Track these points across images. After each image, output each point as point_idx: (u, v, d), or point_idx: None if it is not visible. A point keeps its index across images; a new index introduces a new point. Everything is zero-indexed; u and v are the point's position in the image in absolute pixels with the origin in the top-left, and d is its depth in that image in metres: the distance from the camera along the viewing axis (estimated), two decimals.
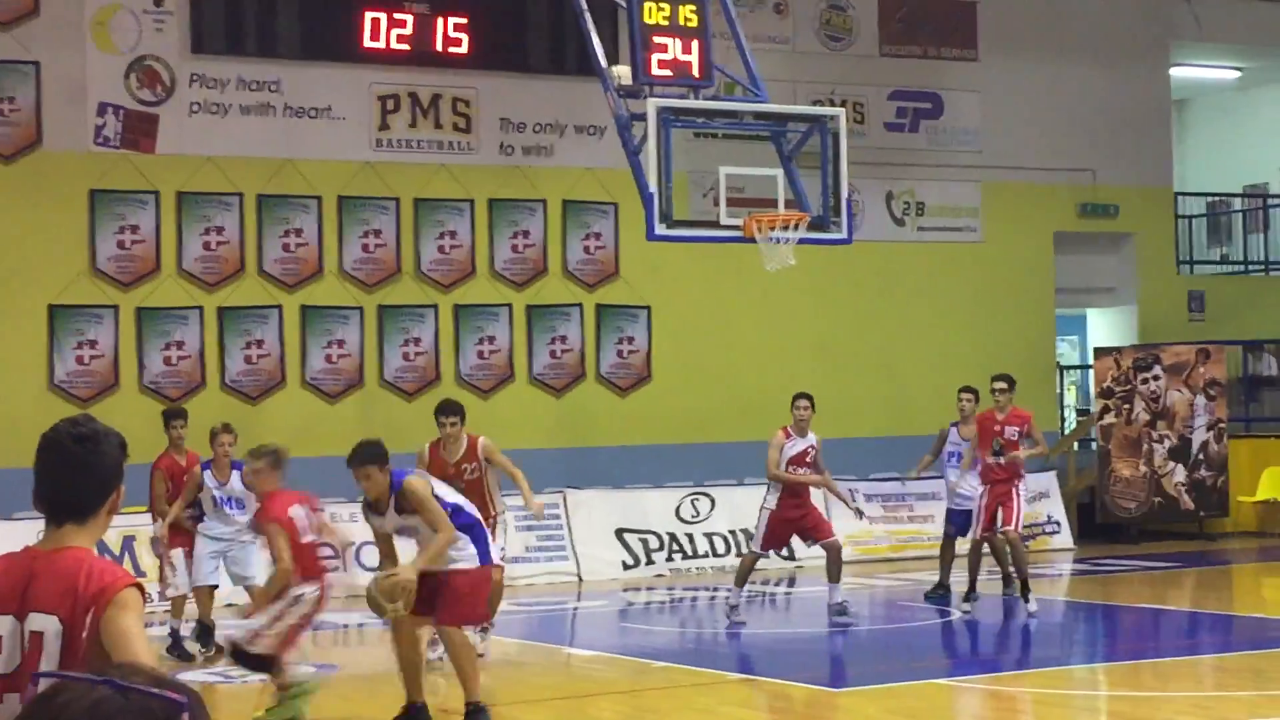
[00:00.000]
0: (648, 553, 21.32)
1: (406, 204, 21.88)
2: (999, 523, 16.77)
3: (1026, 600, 16.38)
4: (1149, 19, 26.55)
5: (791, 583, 20.69)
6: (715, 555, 21.62)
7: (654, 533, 21.47)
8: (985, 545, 17.20)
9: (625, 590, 19.86)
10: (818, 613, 16.78)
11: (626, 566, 21.06)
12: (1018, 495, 16.91)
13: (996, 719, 11.67)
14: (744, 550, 21.64)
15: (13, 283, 19.90)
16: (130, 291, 20.52)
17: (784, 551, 20.90)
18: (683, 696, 12.93)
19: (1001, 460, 16.72)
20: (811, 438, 17.01)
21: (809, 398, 17.24)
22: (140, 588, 4.70)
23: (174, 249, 20.78)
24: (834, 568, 16.66)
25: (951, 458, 18.03)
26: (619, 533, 21.04)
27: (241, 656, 11.82)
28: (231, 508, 15.59)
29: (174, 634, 15.57)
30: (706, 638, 16.71)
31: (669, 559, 21.38)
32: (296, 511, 11.95)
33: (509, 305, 22.37)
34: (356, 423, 21.38)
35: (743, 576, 16.81)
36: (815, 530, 16.90)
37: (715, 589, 19.90)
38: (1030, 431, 17.14)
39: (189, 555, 15.59)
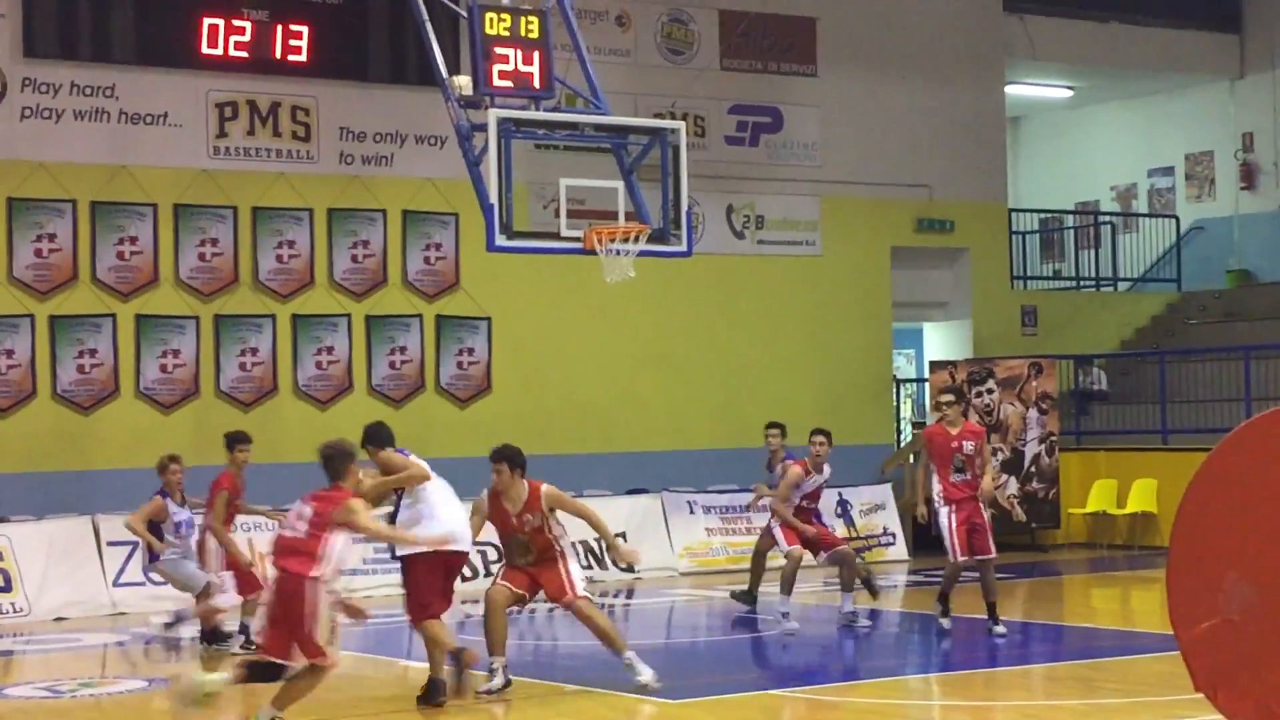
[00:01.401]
0: (486, 564, 21.22)
1: (244, 212, 21.66)
2: (976, 551, 15.81)
3: (996, 623, 15.92)
4: (984, 37, 26.96)
5: (630, 594, 20.71)
6: None
7: (493, 544, 21.36)
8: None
9: (464, 602, 19.75)
10: (656, 624, 16.79)
11: (464, 578, 20.92)
12: (983, 514, 16.14)
13: None
14: (583, 563, 21.64)
15: None
16: None
17: (622, 565, 20.94)
18: (520, 709, 12.89)
19: (966, 477, 16.03)
20: (826, 471, 17.09)
21: (826, 434, 17.19)
22: None
23: (3, 256, 20.42)
24: (846, 576, 16.95)
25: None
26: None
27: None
28: (186, 530, 16.41)
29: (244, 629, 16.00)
30: (544, 649, 16.67)
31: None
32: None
33: (348, 315, 22.22)
34: (191, 433, 21.15)
35: (788, 584, 16.85)
36: (822, 541, 17.03)
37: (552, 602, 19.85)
38: (981, 449, 16.15)
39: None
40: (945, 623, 16.14)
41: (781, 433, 19.03)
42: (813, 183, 25.39)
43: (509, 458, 13.52)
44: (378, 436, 13.25)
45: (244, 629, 16.06)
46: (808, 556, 17.18)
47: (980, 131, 26.92)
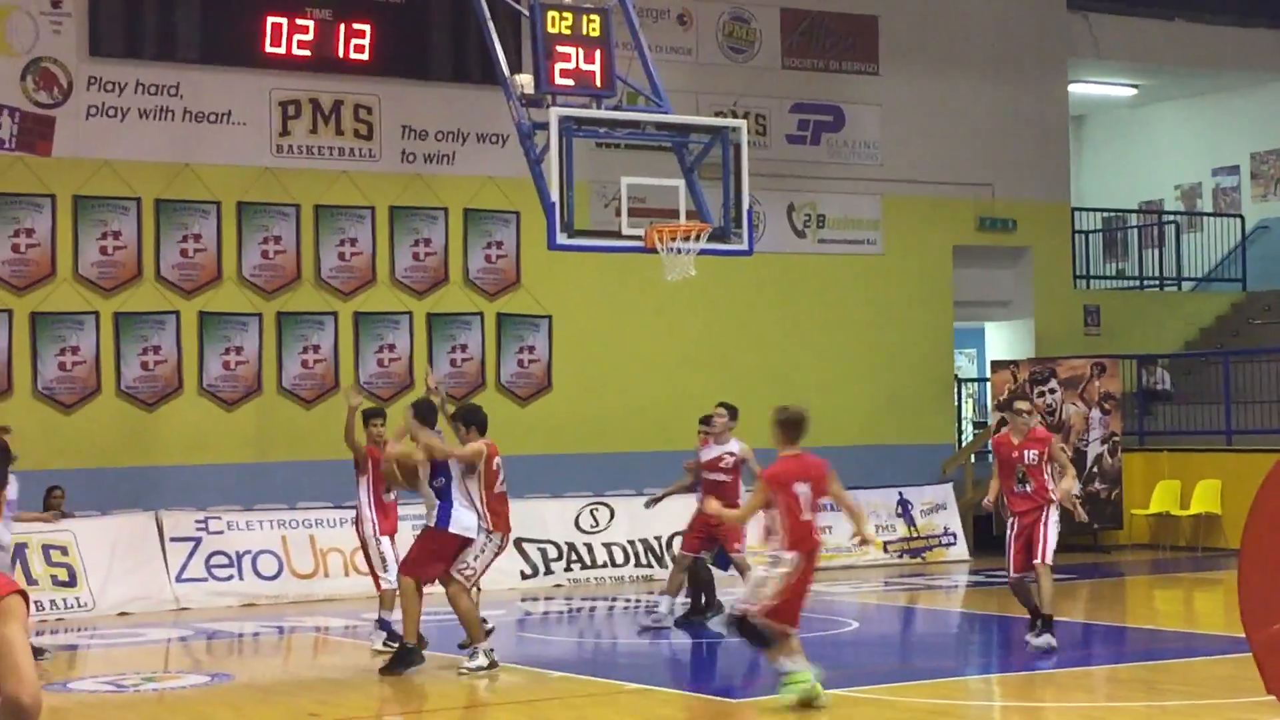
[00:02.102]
0: (546, 563, 21.28)
1: (307, 210, 21.76)
2: (1032, 556, 15.25)
3: (1047, 632, 15.04)
4: (1047, 36, 26.82)
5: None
6: (614, 565, 21.61)
7: (553, 542, 21.44)
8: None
9: (523, 600, 19.82)
10: (712, 622, 16.78)
11: (525, 576, 21.02)
12: (1047, 524, 15.28)
13: None
14: (643, 561, 21.68)
15: None
16: (24, 296, 20.29)
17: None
18: (580, 707, 12.91)
19: (1028, 489, 15.21)
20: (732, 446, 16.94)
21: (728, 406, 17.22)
22: (25, 595, 4.63)
23: (70, 253, 20.56)
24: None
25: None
26: (518, 542, 20.94)
27: (743, 629, 12.12)
28: None
29: (384, 624, 15.58)
30: (604, 648, 16.69)
31: (568, 569, 21.35)
32: (801, 488, 12.59)
33: (409, 313, 22.29)
34: (253, 430, 21.27)
35: None
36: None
37: (613, 599, 19.91)
38: (1053, 454, 15.10)
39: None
40: (1040, 641, 15.21)
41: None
42: (874, 181, 25.32)
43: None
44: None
45: (384, 624, 15.58)
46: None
47: (1043, 130, 26.80)
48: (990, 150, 26.23)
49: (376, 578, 15.66)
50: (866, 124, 25.30)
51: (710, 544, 16.82)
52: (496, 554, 14.38)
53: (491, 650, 14.22)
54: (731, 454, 16.86)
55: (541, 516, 21.43)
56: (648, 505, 18.23)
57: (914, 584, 21.31)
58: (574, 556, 21.38)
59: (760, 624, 12.09)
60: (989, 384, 26.29)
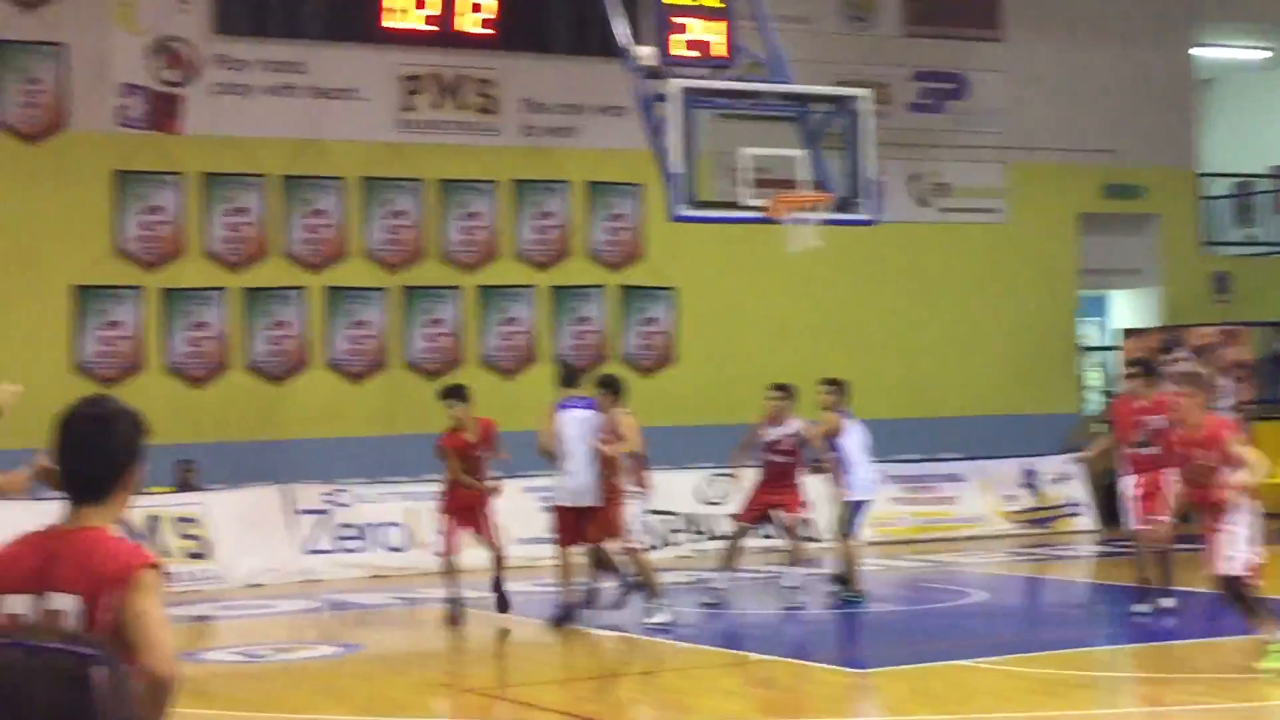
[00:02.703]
0: (670, 534, 21.30)
1: (430, 185, 21.89)
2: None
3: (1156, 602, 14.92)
4: None
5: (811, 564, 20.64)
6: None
7: (676, 514, 21.45)
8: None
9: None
10: (837, 594, 16.75)
11: (650, 548, 21.02)
12: (1165, 484, 15.01)
13: (1019, 700, 11.64)
14: (769, 531, 21.64)
15: (37, 263, 19.95)
16: (154, 272, 20.57)
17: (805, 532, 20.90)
18: (705, 678, 12.93)
19: (1155, 450, 14.83)
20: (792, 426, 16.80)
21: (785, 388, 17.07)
22: (159, 568, 4.70)
23: (198, 230, 20.82)
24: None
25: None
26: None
27: (1236, 595, 12.13)
28: None
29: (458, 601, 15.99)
30: (730, 619, 16.69)
31: (691, 540, 21.36)
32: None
33: (532, 286, 22.38)
34: (380, 404, 21.46)
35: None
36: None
37: (738, 570, 19.88)
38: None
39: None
40: (1166, 602, 15.14)
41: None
42: (998, 149, 25.09)
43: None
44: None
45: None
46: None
47: (1169, 95, 26.43)
48: (1115, 116, 25.90)
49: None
50: (990, 91, 25.07)
51: (764, 516, 16.70)
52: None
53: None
54: (791, 435, 16.67)
55: (665, 488, 21.38)
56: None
57: (1040, 554, 21.15)
58: (697, 528, 21.38)
59: (1249, 588, 11.97)
60: (1115, 353, 25.99)
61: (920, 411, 23.39)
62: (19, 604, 4.66)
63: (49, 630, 2.18)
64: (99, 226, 20.36)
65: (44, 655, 2.12)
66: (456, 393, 16.30)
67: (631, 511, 15.23)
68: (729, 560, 16.78)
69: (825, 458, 16.67)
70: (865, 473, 16.67)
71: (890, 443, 23.12)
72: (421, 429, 21.56)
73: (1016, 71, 25.18)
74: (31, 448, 14.16)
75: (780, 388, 16.95)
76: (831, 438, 16.55)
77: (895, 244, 23.93)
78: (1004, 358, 24.88)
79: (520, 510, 20.48)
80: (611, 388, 15.68)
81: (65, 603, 4.61)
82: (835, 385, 16.93)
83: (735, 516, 17.17)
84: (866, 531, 21.58)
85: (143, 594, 4.59)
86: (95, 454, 4.75)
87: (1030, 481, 23.29)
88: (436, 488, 16.27)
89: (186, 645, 14.44)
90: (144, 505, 18.76)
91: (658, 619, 15.07)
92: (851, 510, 16.60)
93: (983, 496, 22.83)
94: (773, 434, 16.66)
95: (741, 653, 13.84)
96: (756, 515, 16.77)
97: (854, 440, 16.60)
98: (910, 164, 24.47)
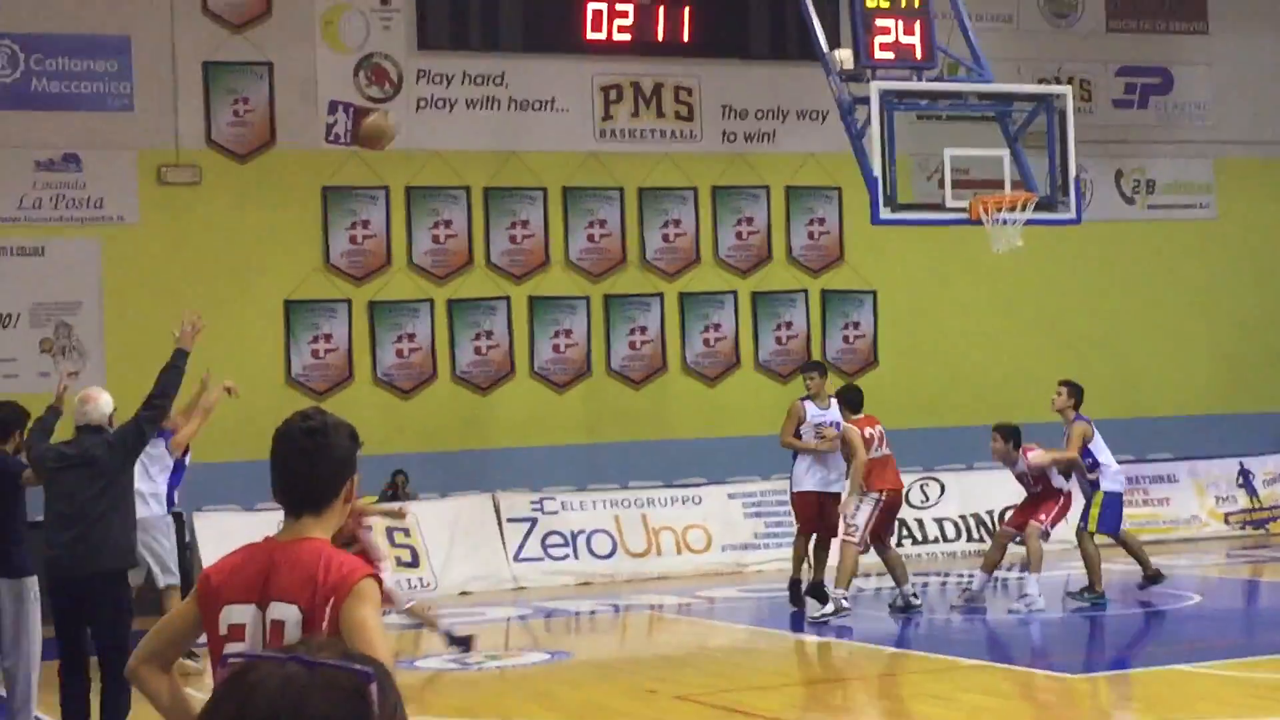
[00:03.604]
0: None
1: (631, 193, 21.98)
2: None
3: None
4: None
5: (1025, 566, 20.40)
6: (945, 540, 21.42)
7: None
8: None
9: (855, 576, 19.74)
10: (1053, 595, 16.54)
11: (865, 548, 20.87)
12: None
13: (1240, 705, 11.41)
14: (974, 536, 21.45)
15: (250, 279, 20.38)
16: (362, 286, 20.90)
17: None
18: (917, 683, 12.85)
19: None
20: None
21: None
22: (378, 579, 4.79)
23: (404, 243, 21.12)
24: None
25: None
26: None
27: None
28: None
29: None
30: (938, 623, 16.56)
31: (899, 544, 21.18)
32: None
33: (734, 292, 22.38)
34: (584, 412, 21.61)
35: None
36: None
37: (946, 574, 19.75)
38: None
39: None
40: None
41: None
42: (1205, 143, 24.60)
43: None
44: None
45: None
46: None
47: None
48: None
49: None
50: (1196, 85, 24.61)
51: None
52: (877, 509, 16.04)
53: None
54: (1022, 471, 16.49)
55: None
56: None
57: (1257, 556, 20.69)
58: (904, 531, 21.21)
59: None
60: None
61: (1132, 411, 22.98)
62: (242, 614, 4.79)
63: (324, 646, 2.22)
64: (308, 241, 20.74)
65: (322, 671, 2.16)
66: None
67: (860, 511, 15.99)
68: (990, 564, 16.63)
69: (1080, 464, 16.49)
70: (1115, 467, 16.61)
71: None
72: (625, 436, 21.72)
73: (1223, 64, 24.68)
74: (247, 460, 14.42)
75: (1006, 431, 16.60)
76: (1085, 444, 16.42)
77: (1102, 242, 23.56)
78: (1217, 355, 24.39)
79: (727, 515, 20.52)
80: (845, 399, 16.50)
81: (287, 613, 4.72)
82: (1072, 387, 16.81)
83: (1005, 523, 17.14)
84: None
85: (362, 604, 4.68)
86: (312, 466, 4.85)
87: (1246, 481, 22.80)
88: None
89: (400, 653, 14.65)
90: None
91: (826, 611, 15.47)
92: (1110, 507, 16.42)
93: (1197, 497, 22.40)
94: (1015, 470, 16.51)
95: (952, 658, 13.71)
96: (1019, 524, 16.60)
97: (1099, 438, 16.54)
98: (1115, 161, 24.10)
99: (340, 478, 4.87)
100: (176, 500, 15.20)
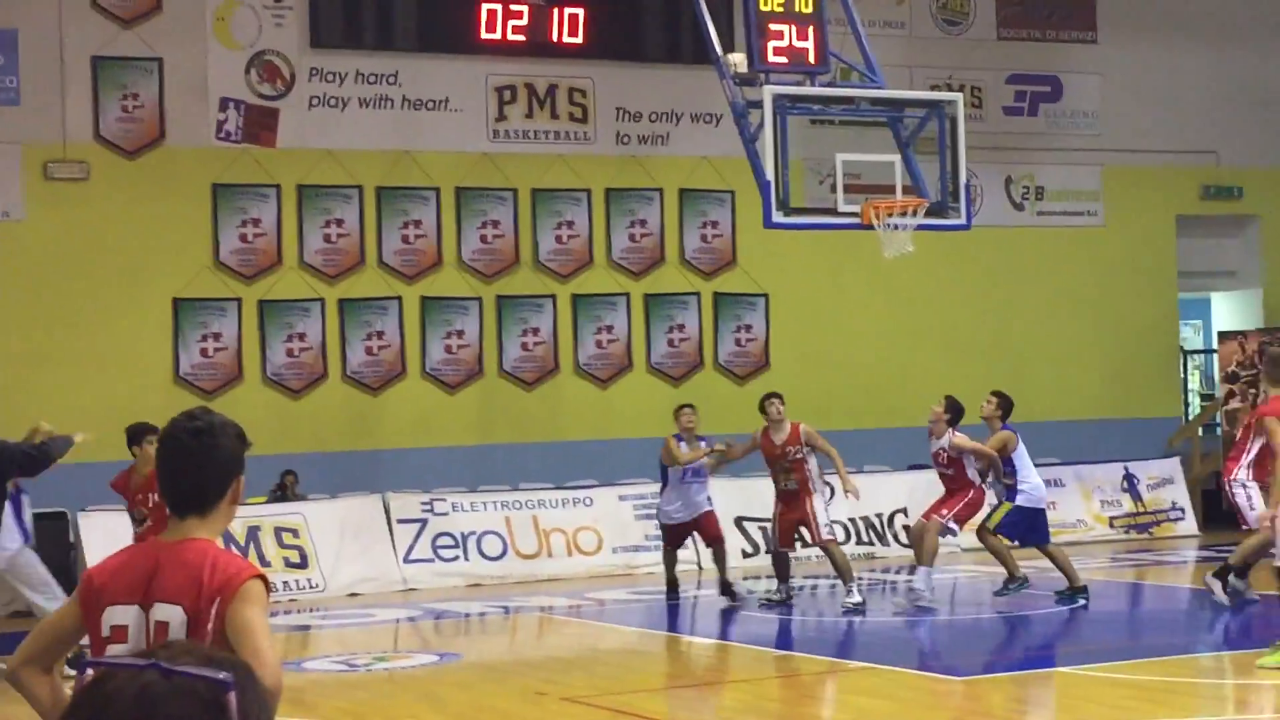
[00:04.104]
0: (767, 541, 21.23)
1: (524, 194, 21.96)
2: None
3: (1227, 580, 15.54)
4: None
5: (913, 570, 20.55)
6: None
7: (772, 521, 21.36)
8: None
9: (745, 579, 19.82)
10: (940, 599, 16.67)
11: (745, 555, 21.01)
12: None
13: (1123, 707, 11.53)
14: (864, 539, 21.59)
15: (138, 276, 20.17)
16: (253, 284, 20.74)
17: (905, 539, 20.87)
18: (804, 685, 12.90)
19: None
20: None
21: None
22: (265, 580, 4.75)
23: (295, 242, 20.98)
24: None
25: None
26: (738, 521, 20.98)
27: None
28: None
29: None
30: (827, 626, 16.65)
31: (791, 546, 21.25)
32: None
33: (627, 294, 22.41)
34: (476, 413, 21.55)
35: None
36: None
37: (834, 577, 19.81)
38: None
39: None
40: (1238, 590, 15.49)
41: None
42: (1094, 151, 24.89)
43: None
44: None
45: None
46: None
47: (1269, 95, 26.10)
48: (1214, 117, 25.63)
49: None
50: (1085, 93, 24.88)
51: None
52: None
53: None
54: (946, 449, 16.70)
55: (761, 495, 21.34)
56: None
57: (1141, 560, 20.96)
58: (795, 534, 21.26)
59: None
60: (1215, 355, 25.74)
61: (1019, 416, 23.00)
62: (125, 615, 4.73)
63: (185, 652, 2.18)
64: (198, 239, 20.56)
65: (180, 679, 2.12)
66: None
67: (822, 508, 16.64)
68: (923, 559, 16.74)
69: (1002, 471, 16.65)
70: (1037, 479, 16.76)
71: None
72: (516, 438, 21.70)
73: (1112, 73, 24.97)
74: (124, 460, 14.24)
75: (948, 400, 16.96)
76: (1008, 451, 16.57)
77: (991, 248, 23.79)
78: (1103, 361, 24.67)
79: (618, 517, 20.54)
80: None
81: (171, 614, 4.67)
82: (1002, 398, 17.00)
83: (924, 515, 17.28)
84: (963, 537, 21.46)
85: (248, 605, 4.63)
86: (198, 467, 4.80)
87: (1130, 486, 23.09)
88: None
89: (288, 654, 14.55)
90: (244, 515, 18.91)
91: (854, 599, 16.11)
92: (1022, 518, 16.54)
93: (1083, 501, 22.65)
94: (934, 445, 16.75)
95: (839, 660, 13.78)
96: (927, 515, 16.83)
97: (1024, 452, 16.68)
98: (1005, 168, 24.33)
99: (227, 478, 4.83)
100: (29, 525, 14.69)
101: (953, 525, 16.55)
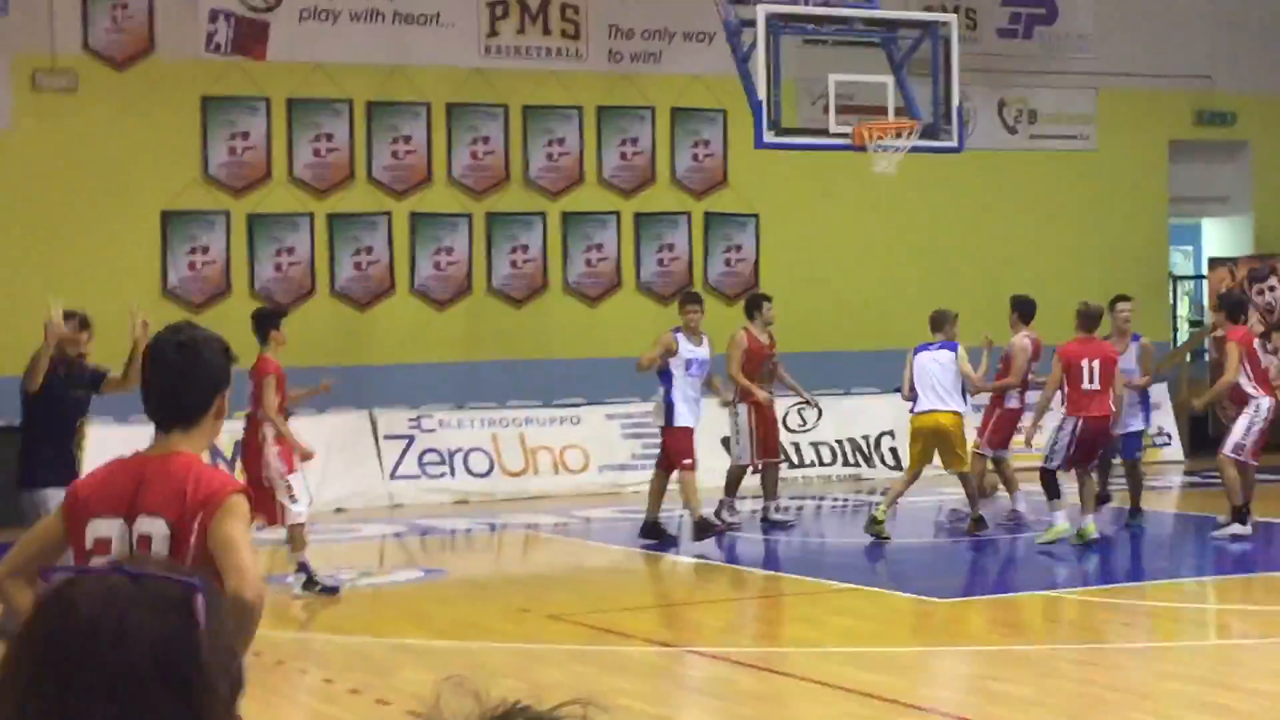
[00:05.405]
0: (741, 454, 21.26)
1: (515, 111, 21.84)
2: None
3: (1235, 522, 15.43)
4: None
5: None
6: (822, 465, 21.56)
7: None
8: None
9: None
10: (924, 523, 16.74)
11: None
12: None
13: (1104, 631, 11.60)
14: (850, 461, 21.63)
15: (126, 189, 20.08)
16: (242, 198, 20.66)
17: (891, 461, 20.93)
18: (787, 605, 12.96)
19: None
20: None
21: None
22: (248, 494, 4.75)
23: (284, 156, 20.87)
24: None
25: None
26: (725, 441, 20.98)
27: None
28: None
29: None
30: (811, 547, 16.71)
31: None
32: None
33: (617, 213, 22.34)
34: (464, 330, 21.53)
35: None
36: None
37: (821, 498, 19.91)
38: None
39: None
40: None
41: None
42: (1088, 75, 24.78)
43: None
44: None
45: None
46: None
47: (1266, 19, 25.98)
48: (1209, 41, 25.52)
49: None
50: (1080, 16, 24.75)
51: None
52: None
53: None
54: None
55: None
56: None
57: (1126, 484, 20.98)
58: (781, 455, 21.32)
59: None
60: (1205, 281, 25.74)
61: (1007, 339, 23.18)
62: (109, 527, 4.74)
63: (150, 561, 2.18)
64: (187, 152, 20.46)
65: (147, 582, 2.11)
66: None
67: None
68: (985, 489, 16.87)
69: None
70: None
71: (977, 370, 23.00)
72: (504, 355, 21.68)
73: None
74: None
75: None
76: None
77: (983, 171, 23.72)
78: (1093, 286, 24.59)
79: (605, 435, 20.57)
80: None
81: (154, 526, 4.68)
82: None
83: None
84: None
85: (231, 519, 4.64)
86: (183, 381, 4.81)
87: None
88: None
89: (272, 569, 14.58)
90: (230, 430, 18.90)
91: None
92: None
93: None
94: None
95: (824, 581, 13.83)
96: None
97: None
98: (998, 90, 24.22)
99: (211, 393, 4.83)
100: None
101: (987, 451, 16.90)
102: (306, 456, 13.59)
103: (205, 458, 4.88)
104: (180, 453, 4.79)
